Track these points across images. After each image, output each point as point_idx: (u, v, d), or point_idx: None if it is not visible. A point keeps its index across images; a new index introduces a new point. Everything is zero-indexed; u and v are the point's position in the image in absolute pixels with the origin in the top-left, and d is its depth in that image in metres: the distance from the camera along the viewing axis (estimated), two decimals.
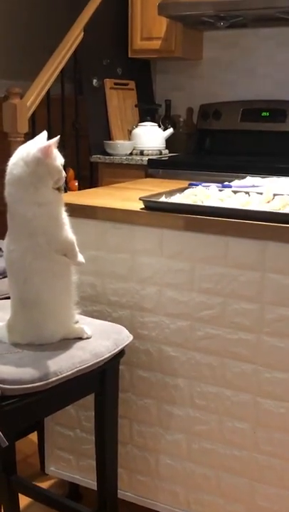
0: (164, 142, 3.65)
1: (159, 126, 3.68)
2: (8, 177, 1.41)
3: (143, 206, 1.71)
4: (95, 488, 1.72)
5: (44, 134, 1.43)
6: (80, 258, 1.49)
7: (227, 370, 1.66)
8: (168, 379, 1.75)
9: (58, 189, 1.43)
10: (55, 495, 1.91)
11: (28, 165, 1.37)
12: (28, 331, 1.46)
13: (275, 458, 1.63)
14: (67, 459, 1.97)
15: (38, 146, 1.38)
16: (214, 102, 3.77)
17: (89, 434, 1.88)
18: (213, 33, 3.76)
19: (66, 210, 1.48)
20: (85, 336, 1.52)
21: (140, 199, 1.71)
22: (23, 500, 1.95)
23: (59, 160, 1.41)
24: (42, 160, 1.37)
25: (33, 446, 2.30)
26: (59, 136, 1.41)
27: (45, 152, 1.37)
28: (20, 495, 1.90)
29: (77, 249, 1.48)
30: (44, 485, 2.13)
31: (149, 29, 3.59)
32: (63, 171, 1.43)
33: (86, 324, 1.57)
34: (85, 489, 1.98)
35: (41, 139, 1.41)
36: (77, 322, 1.57)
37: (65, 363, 1.41)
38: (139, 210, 1.70)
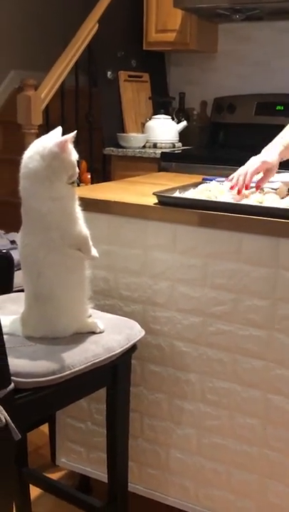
0: (177, 135, 3.64)
1: (173, 119, 3.67)
2: (22, 171, 1.42)
3: (157, 201, 1.71)
4: (106, 480, 1.73)
5: (59, 129, 1.44)
6: (94, 252, 1.50)
7: (238, 366, 1.66)
8: (179, 374, 1.76)
9: (72, 184, 1.43)
10: (66, 486, 1.93)
11: (44, 159, 1.38)
12: (42, 324, 1.47)
13: (286, 454, 1.64)
14: (78, 451, 1.98)
15: (55, 141, 1.38)
16: (228, 95, 3.75)
17: (100, 427, 1.89)
18: (228, 26, 3.74)
19: (79, 205, 1.48)
20: (98, 331, 1.53)
21: (154, 194, 1.71)
22: (34, 492, 1.97)
23: (74, 155, 1.41)
24: (58, 154, 1.38)
25: (45, 437, 2.32)
26: (75, 132, 1.42)
27: (62, 147, 1.38)
28: (31, 486, 1.92)
29: (90, 243, 1.48)
30: (55, 476, 2.15)
31: (164, 21, 3.57)
32: (77, 167, 1.43)
33: (99, 318, 1.58)
34: (95, 481, 1.99)
35: (56, 134, 1.42)
36: (90, 316, 1.57)
37: (78, 357, 1.42)
38: (152, 205, 1.70)
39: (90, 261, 1.52)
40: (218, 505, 1.77)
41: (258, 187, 1.75)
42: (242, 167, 1.73)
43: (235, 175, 1.75)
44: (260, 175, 1.75)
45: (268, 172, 1.74)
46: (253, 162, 1.73)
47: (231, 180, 1.75)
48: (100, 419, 1.88)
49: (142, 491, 1.89)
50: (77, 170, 1.43)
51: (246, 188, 1.69)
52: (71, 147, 1.41)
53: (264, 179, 1.75)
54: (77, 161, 1.44)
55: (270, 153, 1.75)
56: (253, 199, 1.69)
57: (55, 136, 1.41)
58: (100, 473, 1.93)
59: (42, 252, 1.41)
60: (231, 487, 1.74)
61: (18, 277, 1.76)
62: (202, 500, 1.79)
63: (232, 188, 1.71)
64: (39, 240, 1.41)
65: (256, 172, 1.71)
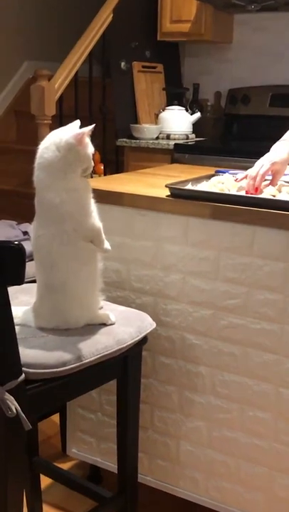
0: (191, 127, 3.62)
1: (187, 111, 3.65)
2: (38, 161, 1.42)
3: (169, 193, 1.70)
4: (115, 471, 1.74)
5: (77, 122, 1.44)
6: (107, 245, 1.50)
7: (250, 360, 1.66)
8: (190, 366, 1.76)
9: (86, 177, 1.44)
10: (76, 477, 1.94)
11: (59, 150, 1.38)
12: (54, 316, 1.48)
13: None
14: (89, 442, 1.99)
15: (72, 133, 1.38)
16: (243, 86, 3.73)
17: (111, 418, 1.90)
18: (243, 16, 3.71)
19: (92, 196, 1.48)
20: (109, 322, 1.53)
21: (166, 186, 1.70)
22: (45, 481, 1.99)
23: (90, 149, 1.42)
24: (74, 146, 1.38)
25: (55, 427, 2.34)
26: (93, 125, 1.42)
27: (78, 139, 1.38)
28: (41, 475, 1.93)
29: (103, 236, 1.48)
30: (65, 466, 2.16)
31: (179, 12, 3.55)
32: (92, 161, 1.43)
33: (110, 310, 1.58)
34: (106, 472, 2.01)
35: (74, 126, 1.42)
36: (101, 308, 1.58)
37: (88, 349, 1.42)
38: (165, 197, 1.69)
39: (102, 253, 1.52)
40: (227, 497, 1.77)
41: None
42: (251, 169, 1.71)
43: (243, 175, 1.73)
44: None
45: (277, 173, 1.72)
46: (263, 163, 1.71)
47: (239, 181, 1.74)
48: (111, 410, 1.89)
49: (151, 482, 1.89)
50: (92, 163, 1.44)
51: (256, 191, 1.67)
52: (88, 140, 1.41)
53: (274, 180, 1.73)
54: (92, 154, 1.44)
55: (279, 152, 1.73)
56: (267, 192, 1.68)
57: (72, 129, 1.41)
58: (110, 463, 1.94)
59: (55, 243, 1.42)
60: (240, 480, 1.74)
61: (30, 268, 1.76)
62: (211, 492, 1.79)
63: (247, 192, 1.69)
64: (52, 231, 1.41)
65: (266, 174, 1.69)
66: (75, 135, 1.38)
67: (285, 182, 1.78)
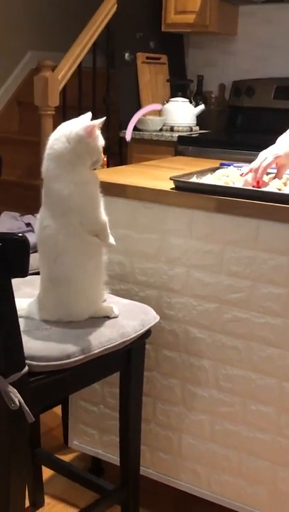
0: (194, 119, 3.61)
1: (191, 102, 3.63)
2: (47, 151, 1.41)
3: (174, 186, 1.69)
4: (117, 463, 1.74)
5: (89, 114, 1.43)
6: (111, 240, 1.49)
7: (253, 354, 1.66)
8: (193, 360, 1.75)
9: (95, 170, 1.43)
10: (78, 469, 1.94)
11: (69, 141, 1.38)
12: (57, 308, 1.47)
13: None
14: (91, 434, 1.99)
15: (82, 125, 1.38)
16: (247, 78, 3.71)
17: (113, 411, 1.89)
18: (248, 8, 3.68)
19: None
20: (113, 315, 1.53)
21: (171, 179, 1.69)
22: (46, 473, 1.99)
23: (100, 141, 1.41)
24: (84, 138, 1.37)
25: (57, 419, 2.34)
26: (104, 118, 1.41)
27: (89, 131, 1.37)
28: (43, 467, 1.93)
29: (108, 230, 1.48)
30: (67, 457, 2.16)
31: (184, 2, 3.52)
32: (102, 153, 1.42)
33: (114, 303, 1.58)
34: (107, 464, 2.01)
35: (86, 118, 1.41)
36: (105, 301, 1.57)
37: (92, 342, 1.42)
38: (169, 190, 1.68)
39: (107, 248, 1.51)
40: (229, 491, 1.77)
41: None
42: (255, 161, 1.70)
43: (248, 169, 1.72)
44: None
45: (283, 166, 1.71)
46: (266, 156, 1.68)
47: (245, 175, 1.72)
48: (113, 402, 1.89)
49: (153, 474, 1.90)
50: (102, 156, 1.43)
51: (258, 185, 1.65)
52: (98, 133, 1.41)
53: (279, 174, 1.71)
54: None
55: (283, 145, 1.71)
56: (272, 186, 1.67)
57: (83, 120, 1.40)
58: (112, 456, 1.94)
59: (60, 236, 1.41)
60: (242, 473, 1.74)
61: (34, 259, 1.75)
62: (213, 485, 1.79)
63: (253, 186, 1.67)
64: (58, 223, 1.41)
65: (269, 167, 1.67)
66: (85, 127, 1.37)
67: None
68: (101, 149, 1.42)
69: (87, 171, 1.41)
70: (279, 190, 1.64)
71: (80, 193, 1.39)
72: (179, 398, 1.80)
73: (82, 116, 1.43)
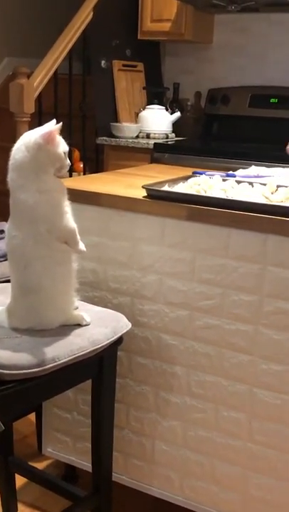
0: (170, 126, 3.63)
1: (167, 110, 3.65)
2: (10, 162, 1.41)
3: (146, 194, 1.71)
4: (91, 470, 1.74)
5: (53, 122, 1.42)
6: (81, 246, 1.49)
7: (224, 360, 1.67)
8: (166, 366, 1.76)
9: (61, 177, 1.43)
10: (51, 476, 1.94)
11: (28, 151, 1.37)
12: (28, 316, 1.47)
13: (269, 448, 1.65)
14: (64, 441, 1.99)
15: (40, 132, 1.37)
16: (223, 86, 3.74)
17: (86, 417, 1.90)
18: (224, 17, 3.72)
19: (70, 196, 1.48)
20: (84, 323, 1.53)
21: (143, 187, 1.71)
22: (19, 481, 1.98)
23: (62, 147, 1.40)
24: (43, 146, 1.37)
25: (32, 426, 2.33)
26: (61, 123, 1.40)
27: (47, 138, 1.36)
28: (16, 475, 1.93)
29: (78, 237, 1.48)
30: (41, 465, 2.16)
31: (160, 11, 3.55)
32: (67, 160, 1.42)
33: (85, 311, 1.58)
34: (82, 471, 2.01)
35: (47, 127, 1.40)
36: (76, 308, 1.58)
37: (63, 350, 1.42)
38: (141, 198, 1.70)
39: (77, 254, 1.52)
40: (202, 496, 1.78)
41: None
42: None
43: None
44: (247, 171, 1.71)
45: None
46: None
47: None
48: (86, 409, 1.89)
49: (126, 481, 1.90)
50: (66, 162, 1.42)
51: None
52: (59, 139, 1.39)
53: None
54: (70, 151, 1.42)
55: None
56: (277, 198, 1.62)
57: (44, 128, 1.40)
58: (85, 463, 1.94)
59: (29, 244, 1.41)
60: (215, 479, 1.75)
61: (5, 267, 1.76)
62: (186, 491, 1.80)
63: None
64: (26, 232, 1.41)
65: None
66: (42, 134, 1.36)
67: (261, 184, 1.79)
68: (63, 155, 1.40)
69: (52, 178, 1.40)
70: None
71: (46, 201, 1.39)
72: (152, 405, 1.81)
73: (46, 125, 1.42)
